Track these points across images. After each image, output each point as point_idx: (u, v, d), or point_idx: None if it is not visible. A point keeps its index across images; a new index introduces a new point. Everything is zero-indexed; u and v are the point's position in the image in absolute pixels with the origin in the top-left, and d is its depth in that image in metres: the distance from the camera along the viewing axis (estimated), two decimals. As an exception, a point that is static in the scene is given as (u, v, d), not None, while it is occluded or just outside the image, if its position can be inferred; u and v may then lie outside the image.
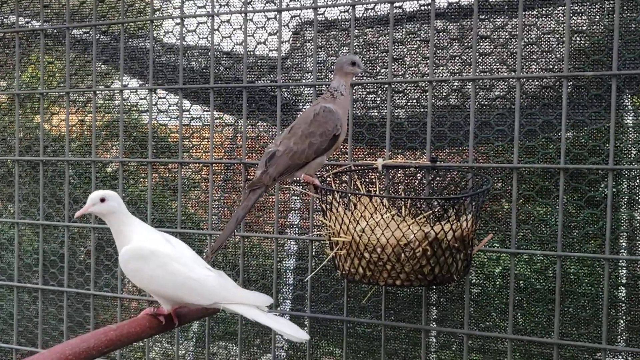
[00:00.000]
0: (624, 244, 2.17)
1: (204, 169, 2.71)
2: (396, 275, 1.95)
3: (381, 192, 2.29)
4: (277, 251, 2.52)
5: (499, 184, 2.26)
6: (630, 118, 2.16)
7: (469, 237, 1.98)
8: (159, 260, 1.82)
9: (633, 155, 2.13)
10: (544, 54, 2.18)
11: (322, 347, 2.55)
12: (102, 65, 2.88)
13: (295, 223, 2.60)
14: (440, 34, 2.30)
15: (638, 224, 2.11)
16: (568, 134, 2.17)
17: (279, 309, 2.57)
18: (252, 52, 2.56)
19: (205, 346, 2.66)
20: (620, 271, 2.18)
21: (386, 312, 2.35)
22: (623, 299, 2.17)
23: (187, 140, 2.71)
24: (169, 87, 2.71)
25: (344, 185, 2.36)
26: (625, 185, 2.14)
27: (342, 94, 2.06)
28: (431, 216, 2.03)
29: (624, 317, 2.16)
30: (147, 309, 1.93)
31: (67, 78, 2.86)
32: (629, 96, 2.16)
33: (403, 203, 2.18)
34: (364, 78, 2.40)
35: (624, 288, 2.17)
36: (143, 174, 2.77)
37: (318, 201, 2.16)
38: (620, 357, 2.15)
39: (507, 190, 2.23)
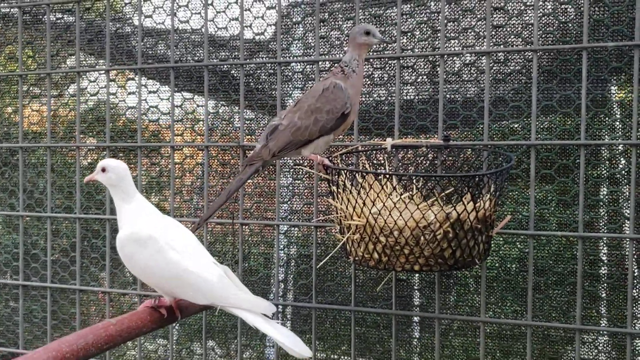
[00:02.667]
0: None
1: (199, 154, 2.55)
2: (414, 260, 1.82)
3: (395, 172, 2.16)
4: (278, 239, 2.37)
5: (515, 161, 2.15)
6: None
7: (490, 218, 1.86)
8: (157, 246, 1.67)
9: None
10: (561, 25, 2.07)
11: (327, 340, 2.42)
12: (85, 48, 2.69)
13: (299, 209, 2.46)
14: (452, 5, 2.17)
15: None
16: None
17: (281, 300, 2.43)
18: (248, 27, 2.40)
19: (203, 342, 2.51)
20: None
21: (397, 300, 2.23)
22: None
23: (180, 123, 2.55)
24: (159, 66, 2.54)
25: (350, 166, 2.23)
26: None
27: (353, 71, 1.91)
28: (449, 197, 1.91)
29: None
30: (147, 300, 1.77)
31: (48, 59, 2.67)
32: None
33: (415, 184, 2.06)
34: (372, 52, 2.26)
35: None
36: (134, 160, 2.59)
37: (326, 183, 2.03)
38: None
39: (524, 169, 2.12)
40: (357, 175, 1.96)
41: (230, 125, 2.52)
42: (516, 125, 2.16)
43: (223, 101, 2.59)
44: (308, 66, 2.40)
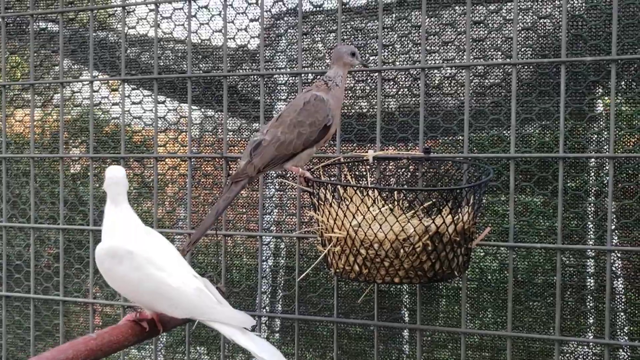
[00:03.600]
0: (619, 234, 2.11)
1: (182, 165, 2.56)
2: (394, 272, 1.83)
3: (375, 185, 2.18)
4: (261, 250, 2.38)
5: (495, 174, 2.17)
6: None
7: (469, 231, 1.88)
8: (135, 261, 1.66)
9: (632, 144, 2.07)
10: (540, 39, 2.10)
11: (310, 352, 2.43)
12: (69, 57, 2.69)
13: (281, 220, 2.47)
14: (432, 19, 2.20)
15: (639, 214, 2.05)
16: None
17: (264, 310, 2.44)
18: (232, 39, 2.41)
19: (186, 351, 2.51)
20: (618, 262, 2.12)
21: (379, 311, 2.24)
22: (622, 291, 2.11)
23: (163, 134, 2.55)
24: (142, 77, 2.54)
25: (333, 178, 2.24)
26: (624, 174, 2.08)
27: (337, 85, 1.94)
28: (429, 209, 1.93)
29: (625, 310, 2.10)
30: (129, 314, 1.77)
31: (32, 69, 2.66)
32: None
33: (397, 196, 2.07)
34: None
35: (622, 279, 2.11)
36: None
37: (308, 195, 2.04)
38: (622, 350, 2.09)
39: (503, 182, 2.14)
40: (338, 187, 1.98)
41: (214, 136, 2.52)
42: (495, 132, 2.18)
43: (209, 109, 2.59)
44: (291, 78, 2.41)
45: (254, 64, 2.44)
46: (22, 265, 2.76)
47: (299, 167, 1.96)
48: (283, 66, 2.41)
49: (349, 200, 1.92)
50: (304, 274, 2.21)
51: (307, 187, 1.97)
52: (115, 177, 1.72)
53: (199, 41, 2.46)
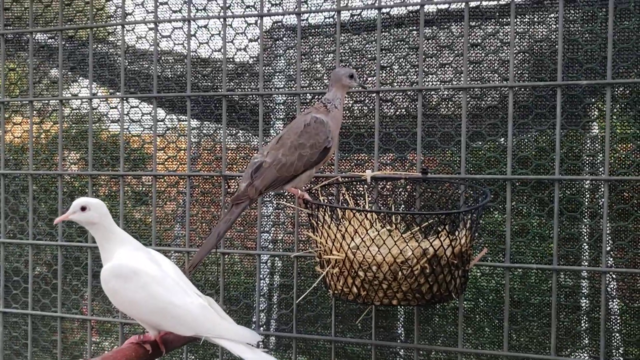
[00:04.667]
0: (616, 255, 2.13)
1: (180, 182, 2.57)
2: (392, 294, 1.85)
3: (370, 206, 2.20)
4: (259, 268, 2.39)
5: (491, 196, 2.18)
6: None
7: (467, 253, 1.90)
8: (141, 281, 1.68)
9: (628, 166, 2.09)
10: (537, 62, 2.12)
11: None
12: (69, 73, 2.70)
13: (279, 238, 2.48)
14: (430, 41, 2.22)
15: (633, 235, 2.07)
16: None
17: (262, 329, 2.44)
18: (231, 59, 2.43)
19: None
20: (613, 283, 2.14)
21: (376, 330, 2.25)
22: (618, 312, 2.13)
23: (162, 151, 2.56)
24: (142, 95, 2.56)
25: (330, 198, 2.25)
26: (620, 196, 2.10)
27: (336, 107, 1.97)
28: (427, 231, 1.95)
29: (621, 331, 2.11)
30: (132, 337, 1.79)
31: (31, 86, 2.68)
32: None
33: (395, 217, 2.09)
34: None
35: (618, 300, 2.13)
36: (115, 188, 2.60)
37: (307, 216, 2.05)
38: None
39: (500, 202, 2.16)
40: (336, 209, 1.99)
41: (212, 154, 2.54)
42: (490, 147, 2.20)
43: (208, 127, 2.61)
44: (290, 98, 2.43)
45: (252, 83, 2.45)
46: (20, 281, 2.76)
47: (298, 188, 1.98)
48: (282, 86, 2.42)
49: (347, 222, 1.94)
50: (302, 296, 2.22)
51: (306, 209, 1.99)
52: (102, 205, 1.74)
53: (198, 61, 2.47)
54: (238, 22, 2.41)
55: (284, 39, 2.40)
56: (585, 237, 2.14)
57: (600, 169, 2.09)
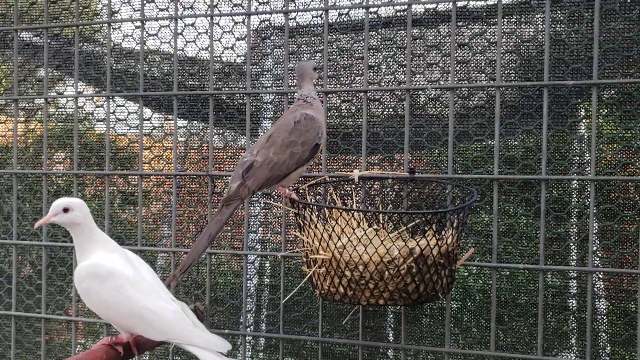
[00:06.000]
0: (602, 255, 2.14)
1: (167, 182, 2.55)
2: (379, 294, 1.84)
3: (358, 205, 2.19)
4: (246, 269, 2.38)
5: (478, 196, 2.18)
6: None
7: (453, 253, 1.89)
8: (116, 282, 1.67)
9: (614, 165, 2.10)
10: (524, 62, 2.13)
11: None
12: (54, 71, 2.68)
13: (267, 238, 2.47)
14: (417, 40, 2.22)
15: (619, 235, 2.08)
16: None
17: (249, 330, 2.43)
18: (218, 58, 2.42)
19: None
20: (599, 283, 2.14)
21: (363, 330, 2.25)
22: (604, 311, 2.13)
23: (148, 150, 2.54)
24: (128, 94, 2.54)
25: (318, 197, 2.25)
26: (606, 196, 2.10)
27: (314, 99, 1.96)
28: (414, 230, 1.94)
29: (607, 331, 2.12)
30: (104, 338, 1.77)
31: (15, 84, 2.65)
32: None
33: (382, 218, 2.08)
34: (340, 85, 2.30)
35: (604, 300, 2.13)
36: (100, 187, 2.58)
37: (294, 216, 2.04)
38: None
39: (487, 202, 2.16)
40: (323, 208, 1.98)
41: (199, 154, 2.52)
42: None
43: (195, 126, 2.59)
44: (277, 97, 2.42)
45: (239, 82, 2.44)
46: (4, 282, 2.73)
47: (286, 187, 1.97)
48: (269, 85, 2.41)
49: (334, 221, 1.93)
50: (289, 296, 2.21)
51: (293, 208, 1.98)
52: (84, 205, 1.72)
53: (185, 59, 2.46)
54: (225, 20, 2.40)
55: (272, 37, 2.39)
56: (572, 237, 2.15)
57: (587, 169, 2.09)
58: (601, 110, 2.12)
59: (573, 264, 2.13)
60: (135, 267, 1.74)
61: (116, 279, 1.67)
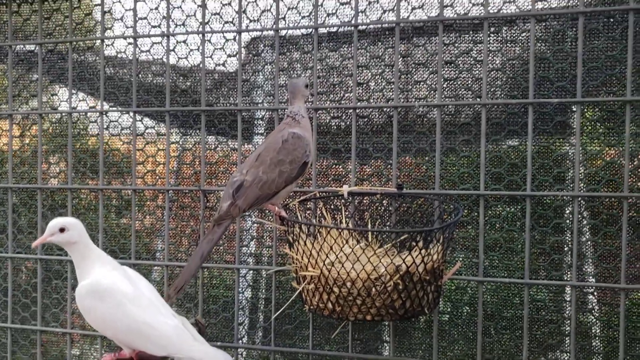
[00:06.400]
0: (589, 269, 2.18)
1: (160, 196, 2.58)
2: (366, 310, 1.88)
3: (347, 220, 2.23)
4: (238, 282, 2.41)
5: (465, 211, 2.23)
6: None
7: (439, 269, 1.93)
8: (116, 299, 1.71)
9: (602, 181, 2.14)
10: (509, 80, 2.17)
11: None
12: (48, 86, 2.71)
13: (258, 252, 2.51)
14: (405, 58, 2.26)
15: (602, 250, 2.12)
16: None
17: (241, 342, 2.47)
18: (210, 75, 2.46)
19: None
20: (587, 297, 2.18)
21: (353, 342, 2.29)
22: (590, 324, 2.17)
23: (142, 165, 2.58)
24: (121, 109, 2.57)
25: (308, 212, 2.28)
26: (590, 211, 2.15)
27: (303, 117, 2.00)
28: (402, 246, 1.98)
29: (592, 342, 2.16)
30: (107, 354, 1.81)
31: (10, 99, 2.68)
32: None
33: (371, 233, 2.12)
34: (329, 102, 2.34)
35: (590, 314, 2.17)
36: (94, 201, 2.62)
37: (284, 232, 2.08)
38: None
39: (474, 217, 2.20)
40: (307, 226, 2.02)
41: (192, 168, 2.56)
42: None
43: (187, 140, 2.63)
44: (268, 112, 2.46)
45: (230, 98, 2.48)
46: (0, 294, 2.77)
47: (275, 205, 2.00)
48: (260, 100, 2.45)
49: (323, 239, 1.97)
50: (278, 312, 2.25)
51: (282, 225, 2.01)
52: (79, 224, 1.76)
53: (177, 75, 2.49)
54: (217, 37, 2.43)
55: (263, 54, 2.42)
56: (557, 252, 2.19)
57: (571, 185, 2.14)
58: (585, 128, 2.16)
59: (567, 277, 2.17)
60: (134, 283, 1.78)
61: (114, 296, 1.71)
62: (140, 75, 2.54)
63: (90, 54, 2.66)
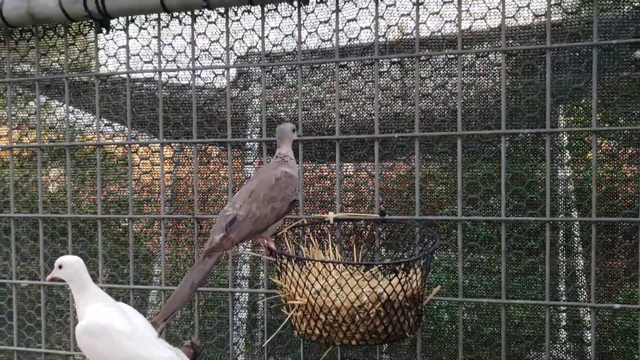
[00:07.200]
0: (562, 288, 2.31)
1: (155, 223, 2.71)
2: (351, 335, 2.01)
3: (334, 245, 2.35)
4: (232, 305, 2.54)
5: (444, 235, 2.35)
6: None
7: (419, 295, 2.06)
8: (111, 336, 1.85)
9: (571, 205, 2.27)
10: (483, 111, 2.29)
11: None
12: (47, 120, 2.84)
13: (250, 276, 2.64)
14: (385, 91, 2.38)
15: (573, 271, 2.25)
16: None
17: (236, 361, 2.60)
18: (200, 107, 2.58)
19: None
20: (560, 315, 2.32)
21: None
22: (564, 340, 2.31)
23: (137, 195, 2.70)
24: (117, 143, 2.69)
25: (296, 237, 2.41)
26: (562, 234, 2.28)
27: (291, 159, 2.13)
28: (382, 275, 2.11)
29: (567, 357, 2.29)
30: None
31: (9, 133, 2.80)
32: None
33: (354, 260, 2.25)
34: (313, 134, 2.46)
35: (564, 330, 2.31)
36: (92, 229, 2.74)
37: (274, 262, 2.21)
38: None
39: (453, 240, 2.33)
40: (300, 254, 2.15)
41: (185, 196, 2.68)
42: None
43: (180, 170, 2.75)
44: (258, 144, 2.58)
45: (221, 130, 2.59)
46: (5, 318, 2.89)
47: (264, 238, 2.13)
48: (248, 132, 2.57)
49: (309, 268, 2.10)
50: (269, 339, 2.38)
51: (270, 257, 2.14)
52: (76, 262, 1.89)
53: (169, 109, 2.61)
54: (206, 72, 2.55)
55: (250, 89, 2.55)
56: (532, 273, 2.32)
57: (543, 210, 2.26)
58: (554, 156, 2.28)
59: (564, 299, 2.30)
60: (128, 319, 1.91)
61: (110, 333, 1.85)
62: (134, 109, 2.66)
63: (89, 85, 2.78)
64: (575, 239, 2.24)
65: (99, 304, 1.90)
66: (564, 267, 2.27)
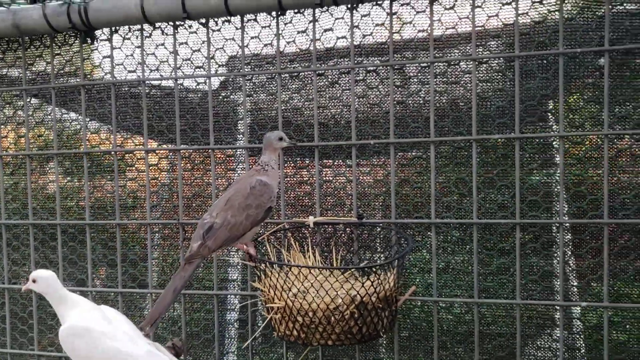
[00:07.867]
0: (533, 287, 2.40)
1: (142, 228, 2.79)
2: (327, 336, 2.10)
3: (314, 247, 2.43)
4: (217, 307, 2.63)
5: (420, 237, 2.44)
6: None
7: (392, 296, 2.15)
8: (91, 336, 1.95)
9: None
10: (455, 117, 2.37)
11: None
12: (35, 129, 2.91)
13: (234, 278, 2.72)
14: (361, 99, 2.45)
15: (542, 271, 2.34)
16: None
17: (222, 361, 2.69)
18: (183, 116, 2.65)
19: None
20: (531, 312, 2.40)
21: (323, 358, 2.51)
22: (535, 337, 2.40)
23: (123, 200, 2.78)
24: (103, 150, 2.77)
25: (278, 241, 2.49)
26: (531, 235, 2.36)
27: (272, 167, 2.21)
28: (357, 277, 2.20)
29: (537, 353, 2.39)
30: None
31: (27, 144, 2.88)
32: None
33: (332, 263, 2.34)
34: (293, 140, 2.54)
35: (536, 328, 2.40)
36: (81, 236, 2.82)
37: (254, 267, 2.29)
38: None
39: (427, 242, 2.41)
40: (280, 258, 2.24)
41: (170, 202, 2.76)
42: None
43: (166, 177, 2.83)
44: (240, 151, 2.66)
45: (205, 137, 2.67)
46: (-2, 322, 2.98)
47: (243, 244, 2.22)
48: (231, 140, 2.65)
49: (285, 272, 2.18)
50: (251, 338, 2.47)
51: (250, 262, 2.23)
52: (49, 277, 2.01)
53: (153, 116, 2.69)
54: (189, 81, 2.63)
55: (232, 96, 2.62)
56: (504, 273, 2.40)
57: (514, 212, 2.35)
58: (524, 159, 2.36)
59: (504, 297, 2.39)
60: (109, 320, 2.01)
61: (91, 333, 1.95)
62: (119, 117, 2.74)
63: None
64: (544, 239, 2.32)
65: (79, 309, 1.99)
66: (534, 267, 2.36)
